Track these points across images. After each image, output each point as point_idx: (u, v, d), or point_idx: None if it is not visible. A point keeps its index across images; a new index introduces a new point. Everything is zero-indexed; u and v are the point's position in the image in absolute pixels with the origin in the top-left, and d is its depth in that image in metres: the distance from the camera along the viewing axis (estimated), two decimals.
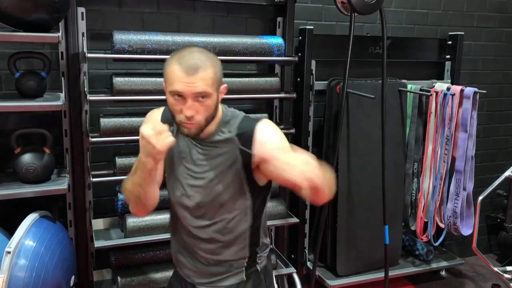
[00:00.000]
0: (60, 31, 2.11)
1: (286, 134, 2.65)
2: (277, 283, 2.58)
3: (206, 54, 1.32)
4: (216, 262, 1.48)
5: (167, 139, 1.26)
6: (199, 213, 1.45)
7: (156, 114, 1.50)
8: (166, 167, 1.49)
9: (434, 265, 3.08)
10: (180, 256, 1.55)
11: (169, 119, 1.38)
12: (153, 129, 1.25)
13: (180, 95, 1.28)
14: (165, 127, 1.27)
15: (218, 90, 1.34)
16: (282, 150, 1.32)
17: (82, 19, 2.22)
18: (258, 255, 1.53)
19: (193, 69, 1.26)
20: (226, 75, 2.46)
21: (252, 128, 1.37)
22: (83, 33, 2.22)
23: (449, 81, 3.12)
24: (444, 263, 3.12)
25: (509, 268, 2.84)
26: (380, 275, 2.84)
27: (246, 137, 1.37)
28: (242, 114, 1.45)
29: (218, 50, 2.34)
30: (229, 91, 2.41)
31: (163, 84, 1.36)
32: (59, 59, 2.24)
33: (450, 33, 3.12)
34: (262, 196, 1.47)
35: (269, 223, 2.31)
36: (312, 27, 2.68)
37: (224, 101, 2.59)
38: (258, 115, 2.51)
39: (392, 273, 2.82)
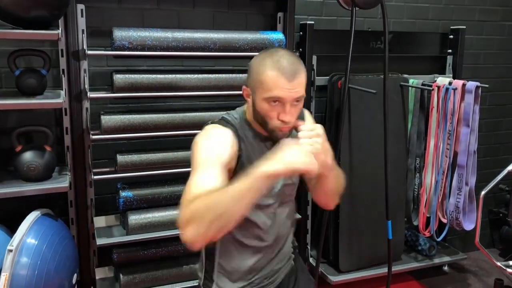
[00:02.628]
0: (60, 28, 2.10)
1: None
2: None
3: (295, 56, 1.32)
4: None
5: (313, 154, 1.19)
6: (284, 200, 1.52)
7: (225, 133, 1.36)
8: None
9: (436, 260, 3.08)
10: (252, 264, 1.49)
11: (238, 128, 1.37)
12: (303, 148, 1.18)
13: (276, 101, 1.27)
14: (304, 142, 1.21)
15: None
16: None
17: (82, 16, 2.21)
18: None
19: (293, 75, 1.26)
20: (226, 71, 2.47)
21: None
22: (83, 30, 2.21)
23: (451, 75, 3.10)
24: (446, 258, 3.12)
25: None
26: (382, 270, 2.83)
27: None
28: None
29: (218, 46, 2.33)
30: (230, 88, 2.43)
31: (245, 88, 1.36)
32: (59, 56, 2.23)
33: (451, 27, 3.11)
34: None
35: None
36: (313, 22, 2.67)
37: (226, 97, 2.59)
38: None
39: (395, 268, 2.82)
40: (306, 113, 1.51)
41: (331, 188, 1.45)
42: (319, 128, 1.26)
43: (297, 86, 1.26)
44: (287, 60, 1.27)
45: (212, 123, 1.40)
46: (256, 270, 1.49)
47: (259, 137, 1.40)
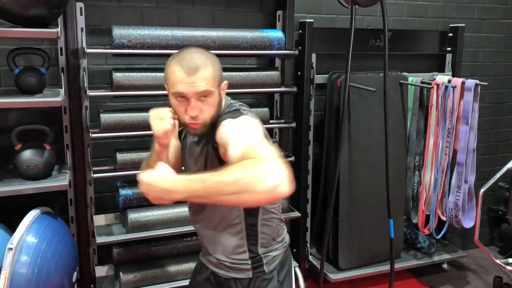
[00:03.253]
0: (59, 27, 2.10)
1: (286, 128, 2.68)
2: None
3: (204, 53, 1.33)
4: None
5: (163, 124, 1.31)
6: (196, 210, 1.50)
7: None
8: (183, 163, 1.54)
9: (436, 258, 3.08)
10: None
11: None
12: (158, 112, 1.31)
13: (182, 96, 1.29)
14: (168, 114, 1.32)
15: (219, 88, 1.35)
16: (238, 133, 1.23)
17: (81, 14, 2.21)
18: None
19: (194, 69, 1.27)
20: (226, 70, 2.45)
21: (220, 121, 1.31)
22: (82, 28, 2.21)
23: (450, 73, 3.10)
24: (446, 256, 3.12)
25: (511, 260, 2.84)
26: (382, 268, 2.84)
27: (216, 128, 1.32)
28: (234, 107, 1.40)
29: (217, 44, 2.33)
30: (230, 86, 2.40)
31: (165, 85, 1.37)
32: (58, 55, 2.23)
33: (451, 25, 3.10)
34: None
35: None
36: (312, 20, 2.67)
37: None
38: (258, 110, 2.50)
39: (394, 266, 2.82)
40: (226, 122, 1.30)
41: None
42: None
43: (198, 81, 1.27)
44: (191, 56, 1.29)
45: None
46: None
47: None
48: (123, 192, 2.32)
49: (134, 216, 2.29)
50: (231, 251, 1.47)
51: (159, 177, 1.15)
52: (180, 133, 1.53)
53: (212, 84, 1.30)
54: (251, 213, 1.44)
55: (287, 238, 1.60)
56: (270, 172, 1.05)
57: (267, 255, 1.49)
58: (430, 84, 2.80)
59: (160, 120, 1.32)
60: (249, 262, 1.47)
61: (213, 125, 1.34)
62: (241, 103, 1.46)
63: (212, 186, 1.09)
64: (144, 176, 1.17)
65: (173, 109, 1.35)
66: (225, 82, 1.40)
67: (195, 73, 1.27)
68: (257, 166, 1.07)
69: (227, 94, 2.32)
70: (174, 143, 1.51)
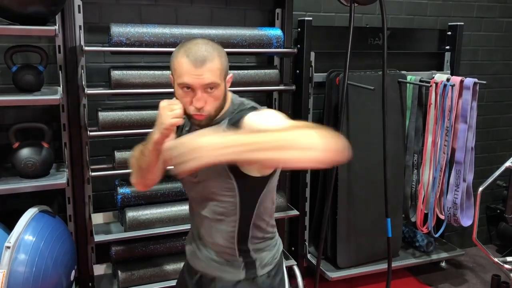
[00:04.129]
0: (57, 24, 2.09)
1: None
2: None
3: (211, 45, 1.32)
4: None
5: (174, 116, 1.29)
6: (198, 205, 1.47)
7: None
8: None
9: (434, 257, 3.08)
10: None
11: None
12: (169, 104, 1.29)
13: (188, 87, 1.29)
14: (179, 104, 1.31)
15: (225, 80, 1.35)
16: (270, 120, 1.24)
17: (79, 11, 2.20)
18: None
19: (201, 61, 1.27)
20: None
21: (242, 117, 1.32)
22: (80, 26, 2.20)
23: (449, 72, 3.10)
24: (444, 254, 3.13)
25: (509, 258, 2.85)
26: (380, 267, 2.84)
27: (235, 126, 1.32)
28: (250, 104, 1.40)
29: (216, 42, 2.32)
30: None
31: (170, 76, 1.37)
32: (56, 52, 2.22)
33: (449, 23, 3.10)
34: (253, 190, 1.39)
35: None
36: (311, 18, 2.66)
37: None
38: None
39: (393, 264, 2.82)
40: (252, 115, 1.31)
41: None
42: None
43: (205, 73, 1.26)
44: (198, 48, 1.29)
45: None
46: None
47: None
48: (122, 190, 2.31)
49: (132, 214, 2.28)
50: (223, 250, 1.45)
51: (192, 137, 1.14)
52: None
53: (219, 77, 1.30)
54: (245, 213, 1.41)
55: (279, 242, 1.56)
56: (313, 135, 1.07)
57: (260, 257, 1.46)
58: (428, 82, 2.80)
59: (171, 110, 1.29)
60: (241, 262, 1.45)
61: (215, 120, 1.35)
62: (250, 100, 1.45)
63: (251, 141, 1.09)
64: (175, 141, 1.18)
65: (178, 99, 1.34)
66: (231, 74, 1.39)
67: (202, 65, 1.26)
68: (300, 129, 1.11)
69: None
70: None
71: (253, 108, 1.37)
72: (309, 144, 1.06)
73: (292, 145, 1.06)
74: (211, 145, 1.09)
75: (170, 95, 2.48)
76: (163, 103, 1.31)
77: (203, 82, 1.27)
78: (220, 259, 1.46)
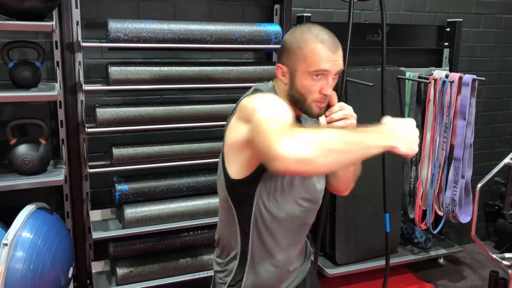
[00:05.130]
0: (54, 20, 2.08)
1: None
2: None
3: (329, 30, 1.31)
4: None
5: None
6: None
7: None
8: None
9: (432, 253, 3.09)
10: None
11: None
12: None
13: (321, 74, 1.26)
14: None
15: None
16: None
17: (76, 7, 2.18)
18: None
19: (336, 47, 1.27)
20: (223, 64, 2.45)
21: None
22: (77, 22, 2.18)
23: (448, 68, 3.10)
24: (442, 251, 3.13)
25: (507, 255, 2.84)
26: (379, 263, 2.84)
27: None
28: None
29: (214, 38, 2.31)
30: (227, 80, 2.42)
31: (281, 67, 1.31)
32: (53, 48, 2.20)
33: (448, 19, 3.10)
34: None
35: None
36: (309, 14, 2.65)
37: (220, 90, 2.58)
38: None
39: (391, 261, 2.82)
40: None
41: (355, 171, 1.46)
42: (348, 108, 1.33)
43: (340, 58, 1.27)
44: (326, 33, 1.28)
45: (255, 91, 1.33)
46: None
47: None
48: (120, 187, 2.30)
49: (130, 211, 2.27)
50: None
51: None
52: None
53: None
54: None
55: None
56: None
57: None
58: (427, 79, 2.79)
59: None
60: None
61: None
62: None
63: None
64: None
65: (299, 89, 1.28)
66: None
67: (337, 50, 1.27)
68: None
69: (224, 89, 2.29)
70: None
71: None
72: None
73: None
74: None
75: (167, 91, 2.48)
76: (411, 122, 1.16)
77: (339, 68, 1.27)
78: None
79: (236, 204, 1.31)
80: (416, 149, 1.15)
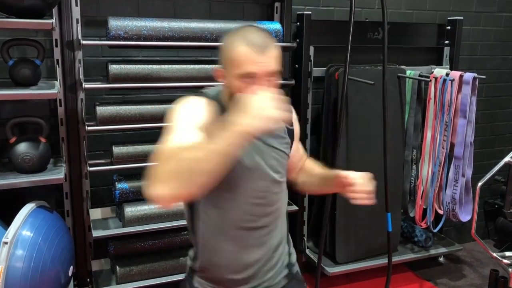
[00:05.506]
0: (54, 18, 2.07)
1: None
2: None
3: (264, 32, 1.28)
4: None
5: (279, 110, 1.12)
6: None
7: (200, 100, 1.32)
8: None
9: (432, 252, 3.09)
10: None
11: (214, 104, 1.31)
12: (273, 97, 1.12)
13: (250, 77, 1.23)
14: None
15: None
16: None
17: (76, 5, 2.17)
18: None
19: (264, 48, 1.22)
20: None
21: None
22: (77, 20, 2.18)
23: (448, 66, 3.09)
24: (442, 249, 3.13)
25: (507, 253, 2.85)
26: (379, 262, 2.84)
27: None
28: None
29: (215, 36, 2.30)
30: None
31: (217, 70, 1.31)
32: (53, 46, 2.19)
33: (449, 18, 3.09)
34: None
35: None
36: (310, 12, 2.65)
37: None
38: None
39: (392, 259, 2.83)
40: (292, 109, 1.39)
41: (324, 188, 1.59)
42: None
43: (269, 60, 1.22)
44: (256, 35, 1.25)
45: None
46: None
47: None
48: (120, 185, 2.30)
49: (130, 209, 2.27)
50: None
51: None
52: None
53: (279, 65, 1.27)
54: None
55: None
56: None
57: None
58: (428, 77, 2.79)
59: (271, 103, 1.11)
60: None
61: None
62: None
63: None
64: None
65: (236, 92, 1.26)
66: None
67: (265, 52, 1.22)
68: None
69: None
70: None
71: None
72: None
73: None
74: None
75: (168, 89, 2.48)
76: (268, 95, 1.12)
77: (267, 70, 1.23)
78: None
79: None
80: (269, 117, 1.08)
